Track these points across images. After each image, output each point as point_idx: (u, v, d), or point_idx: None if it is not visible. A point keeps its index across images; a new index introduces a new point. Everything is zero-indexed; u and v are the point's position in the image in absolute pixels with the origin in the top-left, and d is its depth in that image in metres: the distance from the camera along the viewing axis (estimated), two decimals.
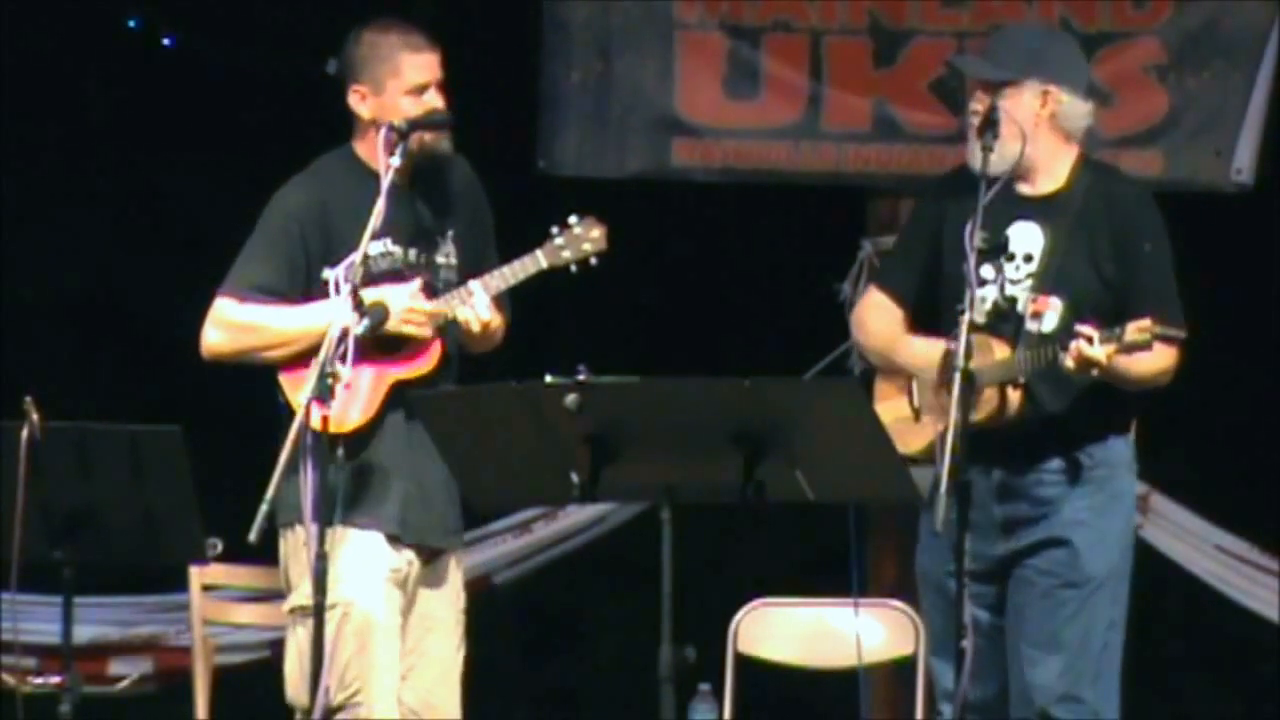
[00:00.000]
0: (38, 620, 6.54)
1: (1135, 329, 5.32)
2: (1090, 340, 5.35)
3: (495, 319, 5.86)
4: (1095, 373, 5.42)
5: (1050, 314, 5.57)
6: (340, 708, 5.71)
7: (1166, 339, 5.31)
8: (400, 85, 5.78)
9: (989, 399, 5.56)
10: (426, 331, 5.85)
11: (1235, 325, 7.32)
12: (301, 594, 5.70)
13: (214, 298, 5.76)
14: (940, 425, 5.52)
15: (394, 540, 5.80)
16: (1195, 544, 8.19)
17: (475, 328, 5.83)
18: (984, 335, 5.49)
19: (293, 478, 5.60)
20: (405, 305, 5.81)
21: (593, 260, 5.84)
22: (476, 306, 5.86)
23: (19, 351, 7.91)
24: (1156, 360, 5.41)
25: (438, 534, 5.88)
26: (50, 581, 5.75)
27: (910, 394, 5.81)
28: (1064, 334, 5.47)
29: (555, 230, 5.81)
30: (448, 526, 5.94)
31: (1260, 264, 7.98)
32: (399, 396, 5.81)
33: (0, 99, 8.60)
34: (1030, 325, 5.58)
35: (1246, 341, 7.73)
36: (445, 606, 6.04)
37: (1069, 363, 5.41)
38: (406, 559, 5.96)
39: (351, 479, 5.71)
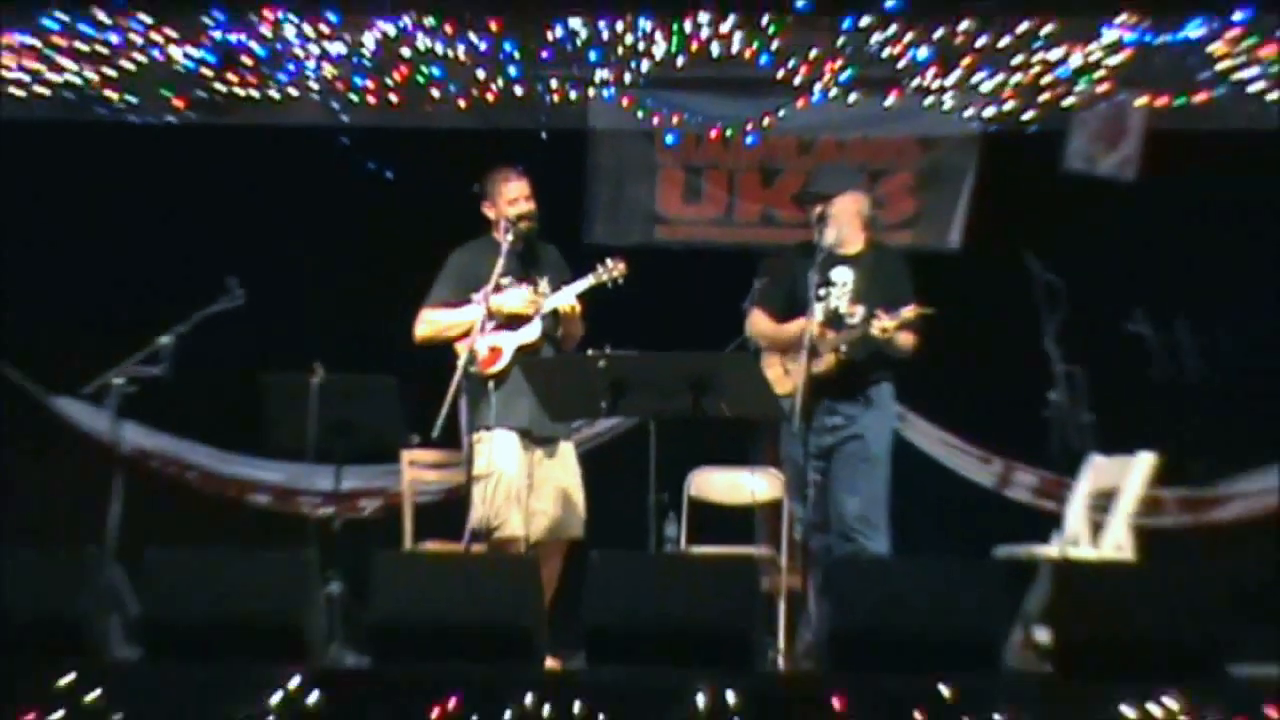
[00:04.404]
0: (322, 479, 8.69)
1: (907, 312, 7.21)
2: (887, 318, 7.16)
3: (577, 310, 7.57)
4: (886, 336, 7.23)
5: (857, 314, 7.42)
6: (494, 529, 7.61)
7: (922, 318, 7.22)
8: (503, 199, 7.68)
9: (828, 360, 7.41)
10: (533, 309, 7.55)
11: (957, 317, 7.70)
12: (478, 468, 7.59)
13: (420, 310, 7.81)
14: (798, 378, 7.27)
15: (526, 433, 7.62)
16: (932, 440, 9.90)
17: (567, 309, 7.54)
18: (822, 328, 7.40)
19: (472, 405, 7.61)
20: (524, 297, 7.60)
21: (620, 280, 7.63)
22: (567, 298, 7.56)
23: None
24: (911, 340, 7.40)
25: (550, 428, 7.58)
26: (329, 458, 7.83)
27: (782, 363, 7.61)
28: (864, 323, 7.32)
29: (599, 264, 7.66)
30: (556, 425, 7.55)
31: (963, 285, 8.75)
32: (520, 354, 7.65)
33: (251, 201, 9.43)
34: (849, 321, 7.44)
35: (962, 326, 8.10)
36: (562, 471, 7.75)
37: (876, 331, 7.17)
38: (543, 447, 7.66)
39: (500, 400, 7.63)
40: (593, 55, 8.40)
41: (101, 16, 7.65)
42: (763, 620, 7.10)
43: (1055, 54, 8.17)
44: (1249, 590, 7.03)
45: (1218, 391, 8.52)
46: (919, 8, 7.40)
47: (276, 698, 6.25)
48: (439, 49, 8.23)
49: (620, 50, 8.32)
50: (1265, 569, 8.66)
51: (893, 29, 7.77)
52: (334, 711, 6.29)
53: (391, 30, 8.05)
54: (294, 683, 6.33)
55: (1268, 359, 9.17)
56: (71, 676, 6.41)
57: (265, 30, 7.95)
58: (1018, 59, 8.21)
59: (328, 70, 8.43)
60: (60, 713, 6.29)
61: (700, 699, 6.16)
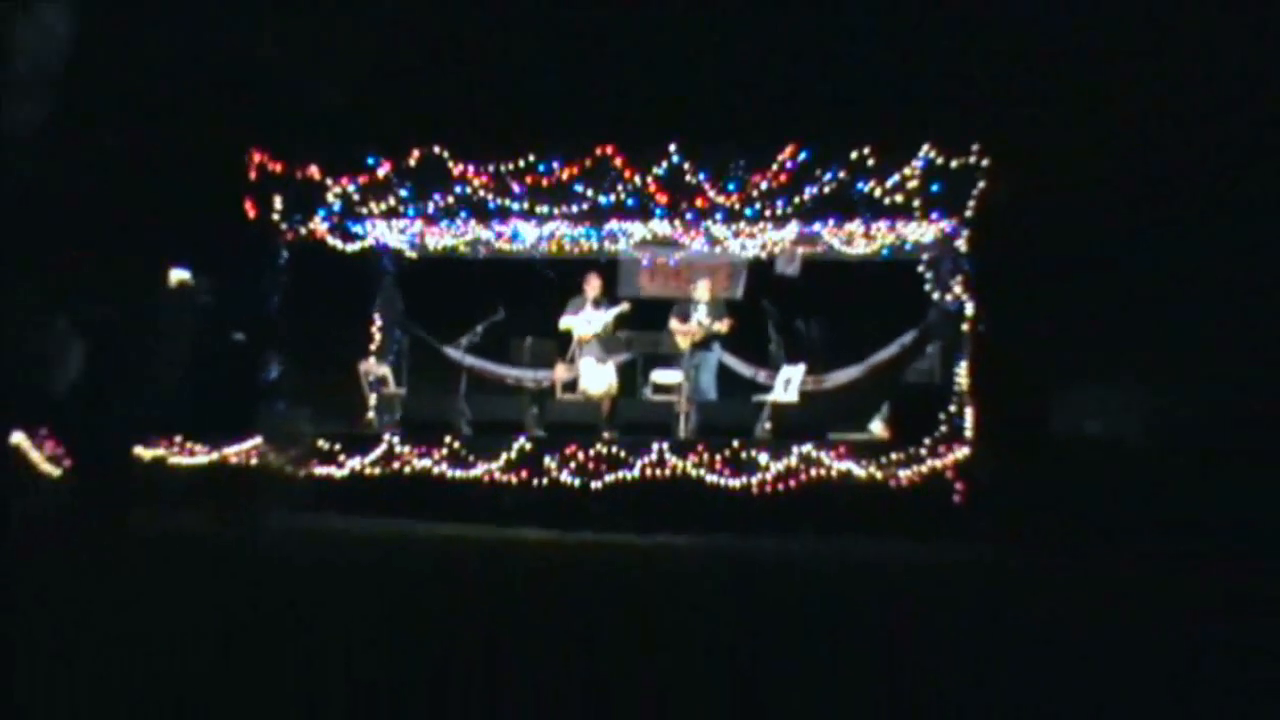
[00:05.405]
0: (530, 374, 7.48)
1: (727, 320, 7.11)
2: (720, 323, 7.07)
3: (611, 322, 7.17)
4: (718, 331, 7.10)
5: (708, 322, 7.17)
6: (585, 390, 7.09)
7: (731, 326, 7.11)
8: (590, 285, 7.31)
9: (696, 337, 7.19)
10: (602, 326, 7.22)
11: (741, 322, 7.35)
12: (581, 371, 7.08)
13: (559, 318, 7.23)
14: (688, 342, 7.15)
15: (598, 358, 7.18)
16: (734, 361, 8.13)
17: (610, 321, 7.18)
18: (695, 327, 7.20)
19: (578, 349, 7.19)
20: (602, 320, 7.23)
21: (628, 311, 7.21)
22: (609, 316, 7.15)
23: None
24: (726, 331, 7.16)
25: (606, 356, 7.17)
26: (532, 366, 7.16)
27: (682, 337, 7.23)
28: (710, 325, 7.14)
29: (621, 303, 7.28)
30: (607, 354, 7.18)
31: (743, 312, 7.65)
32: (596, 335, 7.24)
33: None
34: (705, 322, 7.17)
35: (743, 326, 7.48)
36: (610, 371, 7.14)
37: (714, 329, 7.09)
38: (603, 363, 7.16)
39: (587, 347, 7.20)
40: (619, 235, 7.40)
41: (458, 221, 7.18)
42: (675, 421, 6.79)
43: (773, 234, 7.19)
44: (840, 409, 6.73)
45: (825, 348, 7.48)
46: (730, 219, 6.70)
47: (515, 445, 6.16)
48: (569, 232, 7.38)
49: (629, 233, 7.36)
50: (838, 403, 7.65)
51: (721, 225, 6.89)
52: (535, 451, 6.11)
53: (554, 225, 7.21)
54: (521, 440, 6.23)
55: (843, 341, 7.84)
56: (448, 438, 6.28)
57: (509, 225, 7.23)
58: (759, 236, 7.22)
59: (531, 238, 7.24)
60: (443, 451, 6.15)
61: (654, 446, 6.09)
